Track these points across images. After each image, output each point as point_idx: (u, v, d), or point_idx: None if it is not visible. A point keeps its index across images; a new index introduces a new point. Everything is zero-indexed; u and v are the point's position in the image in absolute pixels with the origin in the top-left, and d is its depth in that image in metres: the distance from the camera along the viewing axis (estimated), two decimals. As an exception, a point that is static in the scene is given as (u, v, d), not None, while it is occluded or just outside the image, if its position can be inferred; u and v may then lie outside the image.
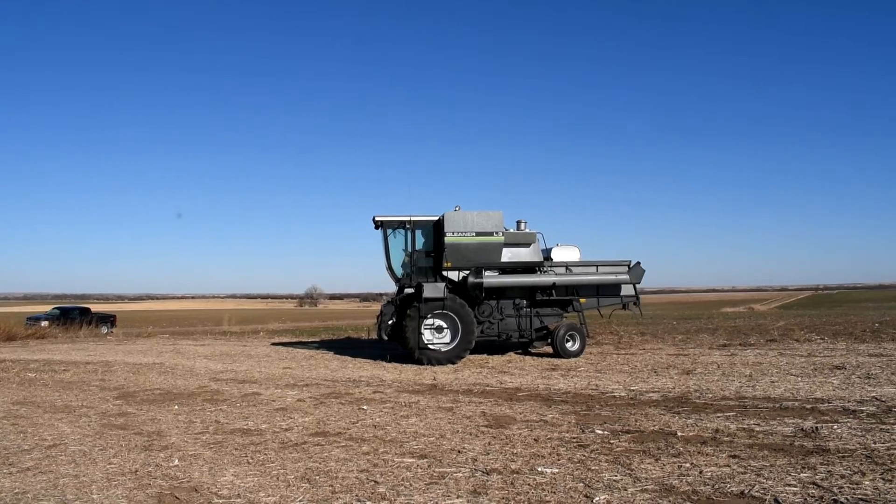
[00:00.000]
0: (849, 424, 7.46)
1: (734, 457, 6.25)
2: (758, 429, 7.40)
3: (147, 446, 7.41)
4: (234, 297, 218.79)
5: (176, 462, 6.62)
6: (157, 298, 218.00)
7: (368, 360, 15.92)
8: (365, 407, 9.51)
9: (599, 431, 7.49)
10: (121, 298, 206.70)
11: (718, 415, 8.25)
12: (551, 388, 10.94)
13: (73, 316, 35.53)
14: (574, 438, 7.21)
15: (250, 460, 6.61)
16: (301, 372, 14.07)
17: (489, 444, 7.08)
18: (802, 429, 7.31)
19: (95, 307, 48.39)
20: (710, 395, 9.67)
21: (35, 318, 35.54)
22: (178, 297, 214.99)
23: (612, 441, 7.03)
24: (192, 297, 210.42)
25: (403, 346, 15.21)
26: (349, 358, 16.64)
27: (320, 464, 6.41)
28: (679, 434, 7.23)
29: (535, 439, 7.22)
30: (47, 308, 43.25)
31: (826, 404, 8.70)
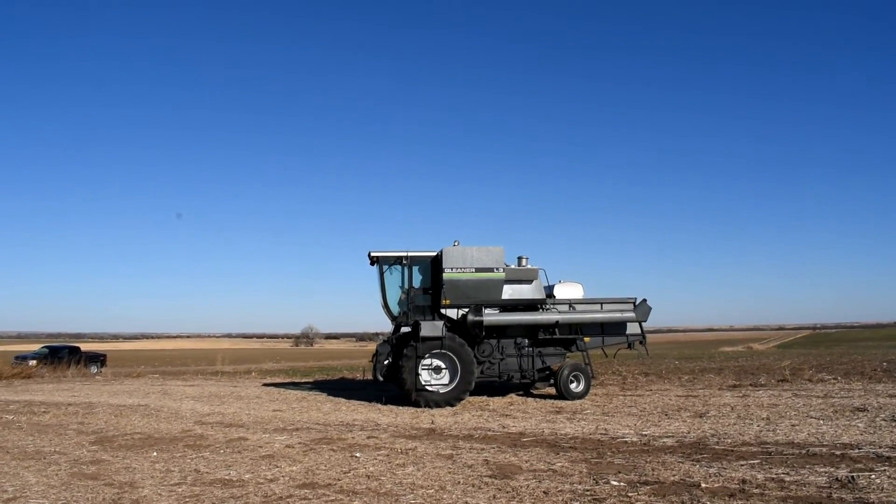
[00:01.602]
0: (887, 473, 6.82)
1: (768, 513, 5.60)
2: (788, 479, 6.74)
3: (116, 500, 6.72)
4: (229, 336, 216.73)
5: (144, 519, 5.94)
6: (152, 337, 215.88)
7: (363, 402, 15.20)
8: (358, 454, 8.82)
9: (615, 483, 6.82)
10: (116, 338, 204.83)
11: (742, 462, 7.59)
12: (557, 432, 10.26)
13: (61, 355, 34.63)
14: (588, 491, 6.54)
15: (228, 517, 5.93)
16: (292, 415, 13.35)
17: (494, 497, 6.41)
18: (837, 478, 6.66)
19: (88, 346, 47.50)
20: (729, 441, 9.01)
21: (23, 357, 34.62)
22: (174, 337, 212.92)
23: (630, 494, 6.36)
24: (188, 336, 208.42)
25: (400, 387, 14.52)
26: (343, 400, 15.92)
27: (306, 522, 5.74)
28: (703, 485, 6.57)
29: (544, 492, 6.55)
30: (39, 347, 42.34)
31: (856, 450, 8.05)
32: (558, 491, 6.57)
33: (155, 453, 9.36)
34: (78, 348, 37.92)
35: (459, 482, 7.07)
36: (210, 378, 26.31)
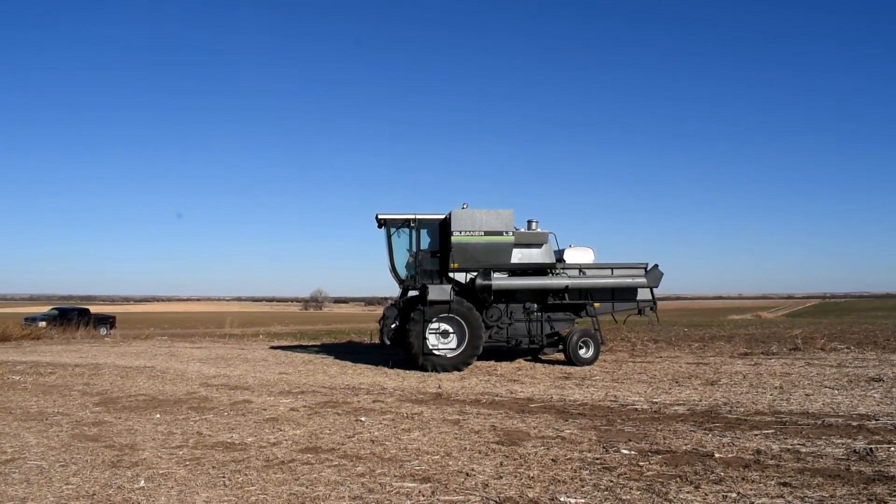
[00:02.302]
0: (907, 446, 6.60)
1: (785, 484, 5.40)
2: (804, 450, 6.54)
3: (115, 462, 6.59)
4: (239, 299, 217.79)
5: (142, 483, 5.79)
6: (163, 300, 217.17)
7: (370, 366, 15.08)
8: (363, 418, 8.68)
9: (625, 451, 6.64)
10: (126, 300, 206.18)
11: (756, 432, 7.39)
12: (566, 398, 10.09)
13: (70, 317, 34.74)
14: (597, 459, 6.36)
15: (227, 482, 5.78)
16: (297, 378, 13.24)
17: (501, 464, 6.24)
18: (855, 450, 6.46)
19: (98, 309, 47.68)
20: (742, 409, 8.82)
21: (32, 319, 34.75)
22: (184, 300, 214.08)
23: (641, 463, 6.18)
24: (198, 300, 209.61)
25: (407, 351, 14.38)
26: (349, 363, 15.81)
27: (307, 488, 5.58)
28: (716, 455, 6.38)
29: (552, 459, 6.37)
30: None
31: (873, 422, 7.84)
32: (567, 458, 6.39)
33: (158, 415, 9.26)
34: (87, 310, 38.02)
35: (466, 448, 6.91)
36: (218, 340, 26.31)
